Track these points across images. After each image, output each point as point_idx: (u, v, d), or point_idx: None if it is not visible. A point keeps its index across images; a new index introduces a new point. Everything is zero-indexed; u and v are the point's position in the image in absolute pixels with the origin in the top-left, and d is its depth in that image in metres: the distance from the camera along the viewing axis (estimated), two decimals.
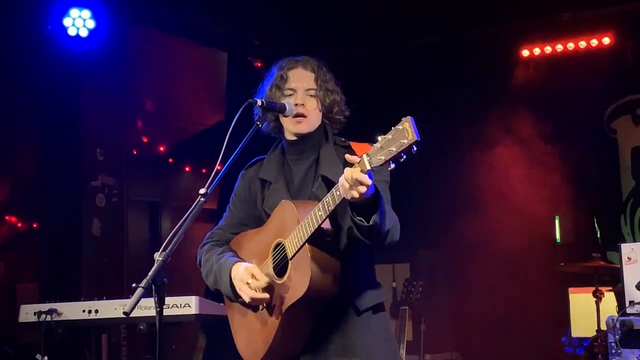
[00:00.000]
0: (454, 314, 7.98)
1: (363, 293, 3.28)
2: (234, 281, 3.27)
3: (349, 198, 2.87)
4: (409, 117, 2.70)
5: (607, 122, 8.08)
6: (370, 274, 3.37)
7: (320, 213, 2.97)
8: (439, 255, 8.09)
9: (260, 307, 3.28)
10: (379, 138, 2.75)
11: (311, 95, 3.36)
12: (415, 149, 2.68)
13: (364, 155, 2.79)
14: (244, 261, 3.34)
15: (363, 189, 2.83)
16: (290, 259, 3.11)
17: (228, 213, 3.55)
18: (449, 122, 7.76)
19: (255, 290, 3.20)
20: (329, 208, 2.94)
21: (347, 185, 2.84)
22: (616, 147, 8.06)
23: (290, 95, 3.36)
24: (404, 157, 2.71)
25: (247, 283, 3.21)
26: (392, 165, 2.74)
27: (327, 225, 3.04)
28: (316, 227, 2.99)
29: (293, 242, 3.09)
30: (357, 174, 2.81)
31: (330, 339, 3.25)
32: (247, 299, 3.23)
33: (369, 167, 2.77)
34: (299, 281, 3.07)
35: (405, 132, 2.68)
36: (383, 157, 2.73)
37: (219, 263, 3.36)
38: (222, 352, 8.00)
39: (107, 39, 7.14)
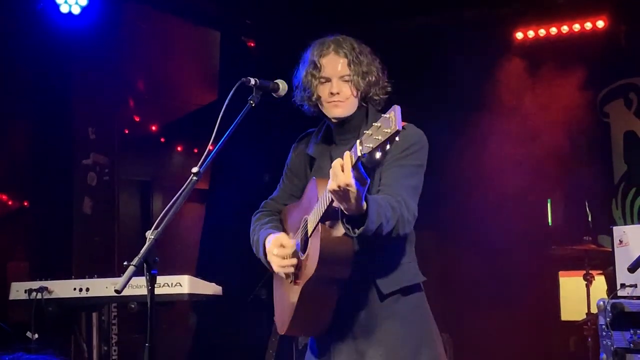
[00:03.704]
0: (444, 296, 7.98)
1: (388, 276, 3.27)
2: (267, 252, 3.34)
3: (328, 188, 2.87)
4: (396, 106, 2.69)
5: (599, 105, 8.08)
6: (400, 255, 3.34)
7: (329, 194, 2.96)
8: (429, 237, 8.09)
9: (289, 280, 3.31)
10: (373, 124, 2.75)
11: (345, 81, 3.35)
12: (397, 139, 2.67)
13: (357, 142, 2.79)
14: (287, 233, 3.39)
15: (342, 182, 2.81)
16: (310, 236, 3.14)
17: (281, 184, 3.62)
18: (440, 105, 7.75)
19: (283, 259, 3.25)
20: None
21: (334, 171, 2.83)
22: (608, 130, 8.07)
23: (325, 83, 3.36)
24: (389, 146, 2.70)
25: (274, 254, 3.27)
26: (379, 154, 2.72)
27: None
28: (325, 207, 3.00)
29: (312, 219, 3.12)
30: (347, 163, 2.81)
31: (355, 321, 3.27)
32: (275, 269, 3.29)
33: (360, 154, 2.77)
34: (312, 259, 3.10)
35: (390, 121, 2.67)
36: (371, 145, 2.73)
37: (259, 234, 3.43)
38: (213, 332, 8.02)
39: (100, 17, 7.10)
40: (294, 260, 3.24)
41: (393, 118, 2.66)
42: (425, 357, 3.29)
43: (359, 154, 2.78)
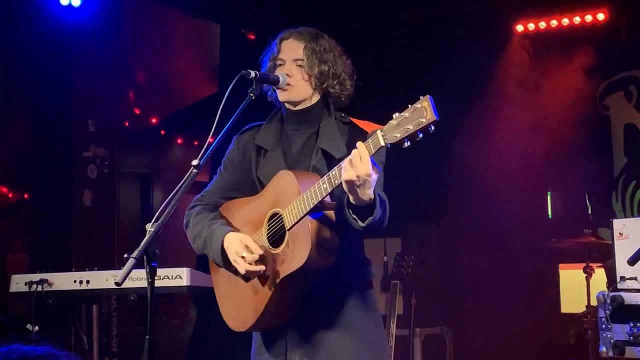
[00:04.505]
0: (444, 288, 8.01)
1: (354, 268, 3.29)
2: (228, 252, 3.25)
3: (344, 177, 2.86)
4: (427, 96, 2.74)
5: (600, 98, 8.07)
6: (360, 249, 3.37)
7: (325, 186, 2.97)
8: (430, 230, 8.10)
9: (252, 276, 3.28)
10: (395, 115, 2.76)
11: (298, 65, 3.34)
12: (432, 128, 2.70)
13: (378, 131, 2.80)
14: (237, 230, 3.31)
15: (362, 172, 2.82)
16: (289, 229, 3.10)
17: (219, 176, 3.53)
18: (440, 98, 7.70)
19: (250, 264, 3.18)
20: (335, 182, 2.93)
21: (353, 161, 2.83)
22: (609, 123, 8.06)
23: (281, 65, 3.37)
24: (421, 135, 2.74)
25: (243, 257, 3.18)
26: (407, 143, 2.76)
27: (328, 198, 3.04)
28: (319, 199, 2.98)
29: (293, 213, 3.07)
30: (365, 153, 2.82)
31: (319, 312, 3.25)
32: (242, 272, 3.21)
33: (383, 144, 2.79)
34: (297, 252, 3.06)
35: (424, 111, 2.70)
36: (399, 135, 2.74)
37: (211, 229, 3.33)
38: (212, 324, 8.02)
39: (100, 9, 7.10)
40: (263, 267, 3.18)
41: (428, 107, 2.69)
42: (382, 345, 3.39)
43: (382, 143, 2.79)
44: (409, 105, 2.75)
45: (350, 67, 3.45)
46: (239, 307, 3.35)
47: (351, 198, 2.93)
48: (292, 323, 3.26)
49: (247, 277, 3.28)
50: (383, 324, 3.52)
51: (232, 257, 3.24)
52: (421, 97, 2.74)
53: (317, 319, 3.25)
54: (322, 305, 3.25)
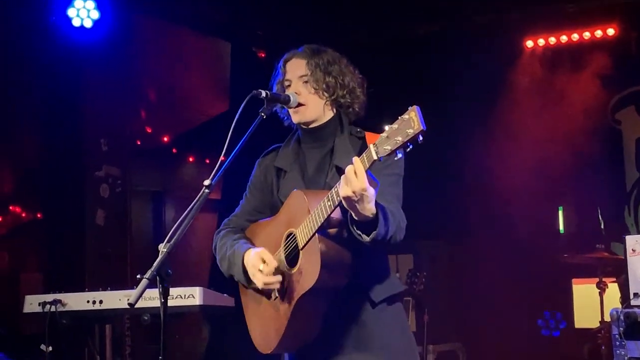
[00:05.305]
0: (457, 304, 7.99)
1: (377, 284, 3.27)
2: (247, 267, 3.27)
3: (341, 194, 2.85)
4: (415, 107, 2.70)
5: (611, 113, 8.07)
6: (384, 264, 3.35)
7: (329, 203, 2.95)
8: (442, 246, 8.09)
9: (274, 297, 3.27)
10: (386, 127, 2.75)
11: (304, 82, 3.34)
12: (421, 138, 2.68)
13: (371, 146, 2.78)
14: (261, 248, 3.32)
15: (357, 188, 2.81)
16: (301, 249, 3.10)
17: (244, 200, 3.56)
18: (452, 112, 7.75)
19: (268, 275, 3.18)
20: (337, 199, 2.92)
21: (348, 177, 2.82)
22: (620, 138, 8.05)
23: (288, 86, 3.37)
24: (411, 146, 2.71)
25: (260, 270, 3.19)
26: (399, 155, 2.74)
27: (337, 215, 3.02)
28: (325, 217, 2.97)
29: (304, 232, 3.07)
30: (359, 168, 2.81)
31: (344, 330, 3.24)
32: (260, 285, 3.22)
33: (375, 157, 2.77)
34: (309, 271, 3.06)
35: (411, 122, 2.68)
36: (389, 147, 2.72)
37: (233, 249, 3.36)
38: (225, 343, 8.02)
39: (111, 30, 7.14)
40: (279, 277, 3.19)
41: (415, 118, 2.67)
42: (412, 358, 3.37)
43: (375, 157, 2.77)
44: (399, 117, 2.74)
45: (359, 76, 3.44)
46: (264, 329, 3.35)
47: (353, 214, 2.93)
48: (318, 343, 3.25)
49: (267, 292, 3.28)
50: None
51: (250, 271, 3.26)
52: (409, 108, 2.72)
53: (342, 337, 3.24)
54: (346, 324, 3.24)
